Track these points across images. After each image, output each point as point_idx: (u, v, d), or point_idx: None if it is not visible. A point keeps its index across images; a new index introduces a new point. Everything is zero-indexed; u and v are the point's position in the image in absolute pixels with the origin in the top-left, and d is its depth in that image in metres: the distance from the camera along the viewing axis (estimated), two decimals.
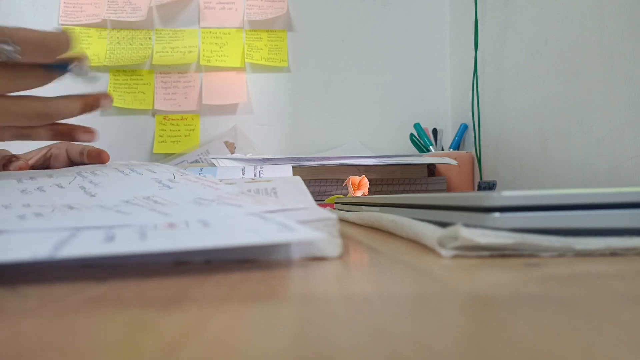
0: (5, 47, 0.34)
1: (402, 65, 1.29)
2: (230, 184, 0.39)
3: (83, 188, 0.36)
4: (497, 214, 0.22)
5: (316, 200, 0.46)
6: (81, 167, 0.45)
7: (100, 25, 1.25)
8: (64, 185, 0.37)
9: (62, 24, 1.24)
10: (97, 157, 0.50)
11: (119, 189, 0.36)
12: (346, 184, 0.77)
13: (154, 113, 1.25)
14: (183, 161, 1.18)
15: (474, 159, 1.07)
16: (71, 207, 0.30)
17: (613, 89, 0.66)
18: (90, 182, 0.38)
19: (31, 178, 0.39)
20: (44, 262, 0.18)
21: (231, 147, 1.21)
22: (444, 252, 0.23)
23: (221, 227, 0.23)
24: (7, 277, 0.20)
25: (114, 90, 1.23)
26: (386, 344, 0.11)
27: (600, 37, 0.68)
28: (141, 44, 1.25)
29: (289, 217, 0.24)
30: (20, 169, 0.49)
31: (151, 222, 0.24)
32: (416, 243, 0.27)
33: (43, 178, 0.39)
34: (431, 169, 0.96)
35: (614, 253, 0.22)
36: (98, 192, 0.35)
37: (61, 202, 0.32)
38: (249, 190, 0.36)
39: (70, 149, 0.55)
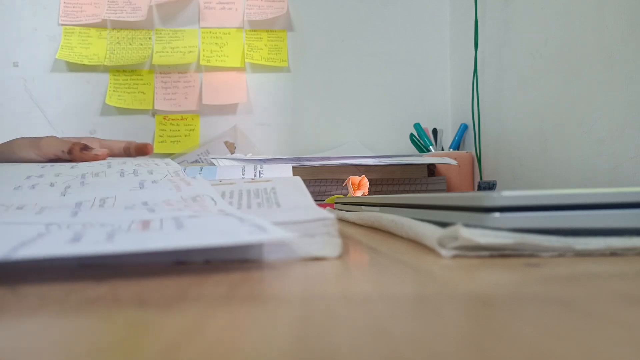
0: None
1: (402, 65, 1.29)
2: (230, 184, 0.39)
3: (68, 187, 0.38)
4: (497, 214, 0.22)
5: (316, 200, 0.46)
6: (93, 168, 0.46)
7: (100, 25, 1.25)
8: (57, 184, 0.40)
9: (62, 24, 1.24)
10: (143, 151, 0.59)
11: (100, 188, 0.38)
12: (346, 184, 0.77)
13: (154, 113, 1.25)
14: (183, 161, 1.18)
15: (474, 159, 1.07)
16: (43, 207, 0.31)
17: (613, 89, 0.66)
18: (82, 182, 0.40)
19: (40, 176, 0.42)
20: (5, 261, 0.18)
21: (231, 147, 1.21)
22: (444, 252, 0.23)
23: (194, 228, 0.23)
24: (7, 277, 0.20)
25: (114, 90, 1.23)
26: (386, 344, 0.11)
27: (600, 37, 0.68)
28: (141, 44, 1.25)
29: (266, 218, 0.24)
30: (96, 159, 0.53)
31: (125, 221, 0.25)
32: (416, 243, 0.27)
33: (50, 175, 0.42)
34: (431, 169, 0.96)
35: (614, 253, 0.22)
36: (73, 192, 0.37)
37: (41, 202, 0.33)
38: (248, 190, 0.37)
39: (112, 145, 0.60)
